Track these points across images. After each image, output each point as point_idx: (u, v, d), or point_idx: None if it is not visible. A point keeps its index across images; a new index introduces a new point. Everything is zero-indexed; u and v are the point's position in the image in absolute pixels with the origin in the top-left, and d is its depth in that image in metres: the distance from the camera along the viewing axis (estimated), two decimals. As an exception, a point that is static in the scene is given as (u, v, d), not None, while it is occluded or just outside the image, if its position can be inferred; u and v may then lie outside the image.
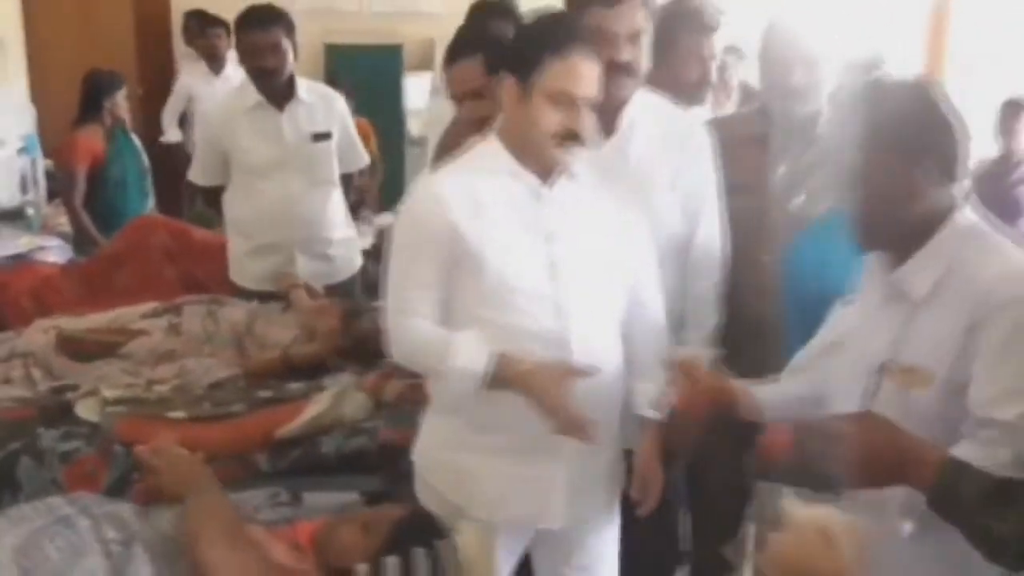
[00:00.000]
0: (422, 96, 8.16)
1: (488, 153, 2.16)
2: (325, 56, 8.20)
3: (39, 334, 3.26)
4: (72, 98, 5.03)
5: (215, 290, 3.76)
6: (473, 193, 2.11)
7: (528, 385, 2.02)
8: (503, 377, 2.05)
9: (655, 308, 2.30)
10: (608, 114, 2.38)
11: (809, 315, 2.20)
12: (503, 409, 2.08)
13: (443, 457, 2.27)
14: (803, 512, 1.57)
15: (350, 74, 7.10)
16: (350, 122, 3.89)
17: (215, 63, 6.37)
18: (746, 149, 2.68)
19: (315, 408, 2.83)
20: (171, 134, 6.62)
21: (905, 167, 1.74)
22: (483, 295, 2.11)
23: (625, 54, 2.38)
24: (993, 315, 1.67)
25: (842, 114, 2.11)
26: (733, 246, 2.58)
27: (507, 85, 2.09)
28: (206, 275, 3.99)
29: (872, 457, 1.57)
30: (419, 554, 1.90)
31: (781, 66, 2.62)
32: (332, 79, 6.64)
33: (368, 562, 1.88)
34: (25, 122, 6.49)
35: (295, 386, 3.03)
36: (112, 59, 6.21)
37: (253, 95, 3.66)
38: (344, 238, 3.89)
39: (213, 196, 3.88)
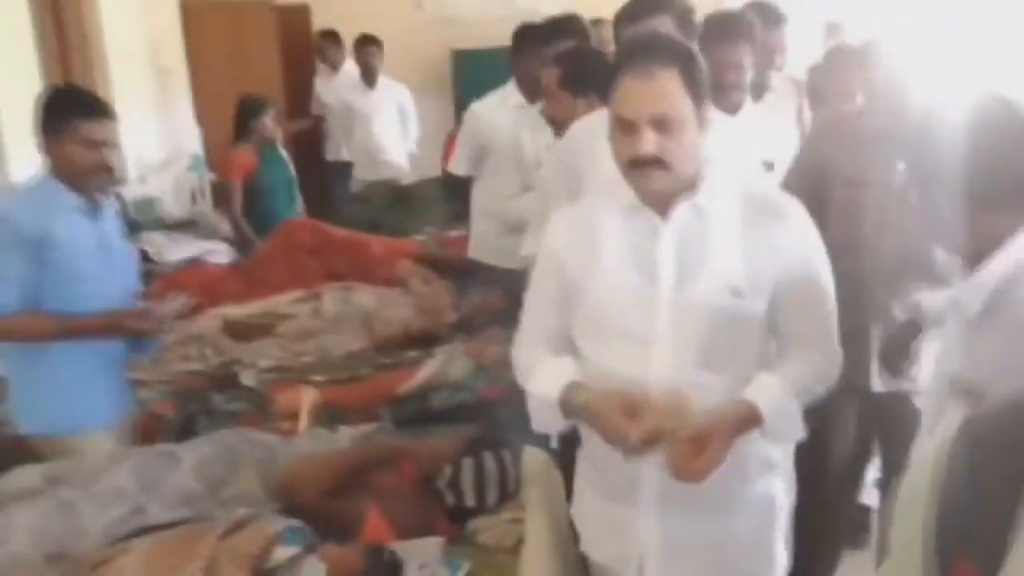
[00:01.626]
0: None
1: (616, 185, 2.01)
2: (451, 61, 8.85)
3: (209, 320, 4.00)
4: (230, 119, 5.75)
5: (349, 278, 4.43)
6: (590, 225, 2.03)
7: (592, 413, 1.94)
8: (572, 405, 1.98)
9: (806, 348, 2.02)
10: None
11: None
12: (601, 446, 1.98)
13: (576, 486, 2.27)
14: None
15: (476, 76, 7.67)
16: None
17: (369, 77, 7.08)
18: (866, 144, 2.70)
19: (427, 371, 3.46)
20: (343, 152, 7.42)
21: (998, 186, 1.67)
22: (583, 330, 2.05)
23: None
24: None
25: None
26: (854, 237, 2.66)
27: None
28: (343, 266, 4.65)
29: None
30: (488, 457, 2.48)
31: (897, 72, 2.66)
32: (461, 82, 7.24)
33: (451, 463, 2.47)
34: (192, 142, 7.35)
35: (412, 354, 3.68)
36: (262, 82, 6.98)
37: (516, 96, 4.02)
38: None
39: (463, 185, 4.28)
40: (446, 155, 7.01)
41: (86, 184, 2.84)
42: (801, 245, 1.99)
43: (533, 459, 2.64)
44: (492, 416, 3.16)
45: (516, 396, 3.32)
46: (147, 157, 6.46)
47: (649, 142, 1.87)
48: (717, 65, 2.93)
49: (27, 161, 4.91)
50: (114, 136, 2.86)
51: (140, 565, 2.15)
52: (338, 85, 7.64)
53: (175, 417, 3.37)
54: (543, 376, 2.04)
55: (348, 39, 7.53)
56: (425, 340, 3.82)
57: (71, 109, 2.80)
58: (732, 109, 3.10)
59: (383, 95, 7.17)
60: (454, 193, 6.31)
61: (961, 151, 1.69)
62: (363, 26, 7.36)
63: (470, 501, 2.46)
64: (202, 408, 3.42)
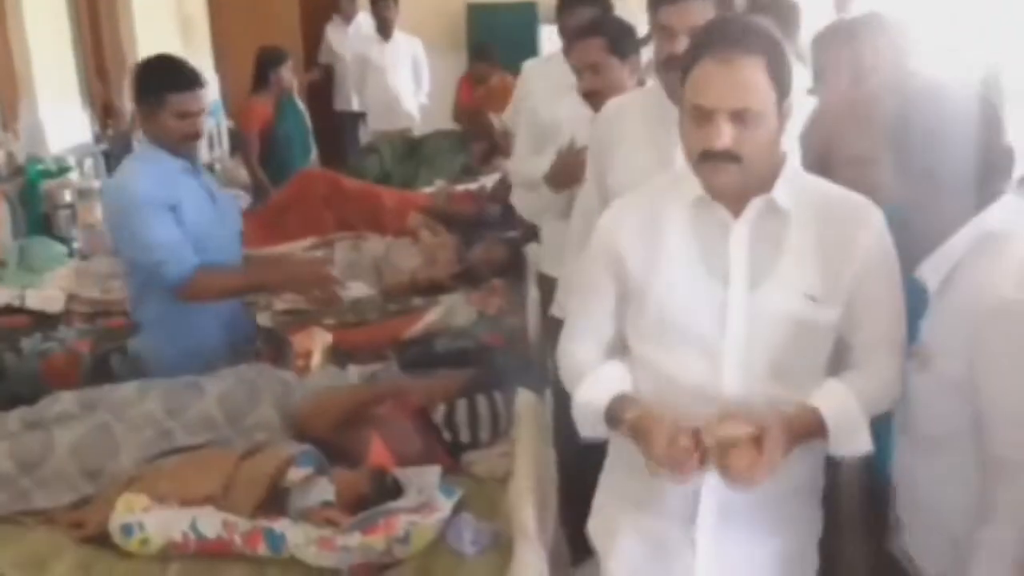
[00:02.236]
0: (557, 46, 8.87)
1: (683, 176, 1.88)
2: (467, 15, 9.00)
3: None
4: (249, 69, 5.95)
5: (360, 227, 4.66)
6: (654, 221, 1.90)
7: (641, 433, 1.84)
8: (619, 419, 1.89)
9: (878, 357, 1.91)
10: None
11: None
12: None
13: (601, 491, 2.18)
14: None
15: (490, 31, 7.83)
16: None
17: (385, 30, 7.23)
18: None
19: (432, 316, 3.70)
20: (354, 103, 7.59)
21: (976, 176, 1.82)
22: (643, 333, 1.93)
23: (681, 47, 2.24)
24: (989, 319, 1.77)
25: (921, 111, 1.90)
26: None
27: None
28: (354, 215, 4.90)
29: None
30: (481, 399, 2.73)
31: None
32: (476, 37, 7.42)
33: (445, 402, 2.72)
34: (210, 89, 7.55)
35: (417, 301, 3.92)
36: (281, 33, 7.18)
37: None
38: None
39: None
40: (458, 99, 7.22)
41: (181, 149, 3.06)
42: (879, 251, 1.86)
43: (524, 401, 2.88)
44: (491, 361, 3.39)
45: (514, 343, 3.61)
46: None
47: (726, 135, 1.73)
48: None
49: (61, 112, 5.16)
50: (204, 104, 3.08)
51: (167, 480, 2.41)
52: (352, 36, 7.83)
53: (89, 355, 3.53)
54: (591, 383, 1.95)
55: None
56: (431, 289, 4.06)
57: (165, 84, 2.99)
58: None
59: (398, 48, 7.36)
60: (464, 142, 6.56)
61: (934, 135, 1.84)
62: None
63: (464, 437, 2.71)
64: (116, 347, 3.56)
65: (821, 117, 2.90)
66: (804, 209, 1.85)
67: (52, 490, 2.53)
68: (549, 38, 8.92)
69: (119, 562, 2.31)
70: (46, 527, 2.45)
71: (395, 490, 2.41)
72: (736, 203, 1.84)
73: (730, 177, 1.78)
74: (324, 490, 2.39)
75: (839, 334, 1.89)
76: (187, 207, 3.01)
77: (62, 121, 5.21)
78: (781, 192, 1.84)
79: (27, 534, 2.43)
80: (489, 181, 5.60)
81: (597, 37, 3.03)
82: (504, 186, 5.06)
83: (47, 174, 4.70)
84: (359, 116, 7.69)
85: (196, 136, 3.07)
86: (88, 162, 5.18)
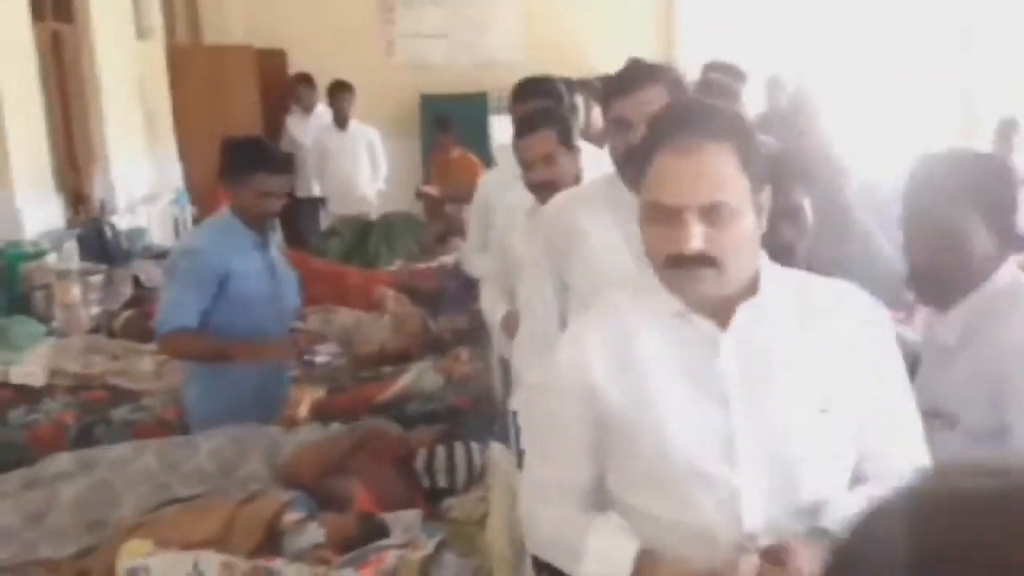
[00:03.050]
0: (507, 135, 9.28)
1: (650, 287, 1.60)
2: (420, 104, 9.37)
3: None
4: (211, 158, 6.19)
5: (326, 303, 4.90)
6: (626, 343, 1.60)
7: None
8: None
9: (894, 463, 1.61)
10: None
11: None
12: None
13: None
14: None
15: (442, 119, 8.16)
16: None
17: (342, 120, 7.58)
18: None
19: (402, 382, 3.93)
20: (314, 189, 7.89)
21: (980, 232, 1.87)
22: (634, 478, 1.62)
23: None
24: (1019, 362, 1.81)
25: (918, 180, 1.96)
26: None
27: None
28: (322, 292, 5.12)
29: None
30: (458, 445, 2.96)
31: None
32: (428, 126, 7.76)
33: (426, 449, 2.95)
34: (175, 178, 7.80)
35: (387, 369, 4.16)
36: (242, 123, 7.41)
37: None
38: None
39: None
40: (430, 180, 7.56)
41: (259, 224, 3.31)
42: (878, 342, 1.63)
43: (495, 451, 3.12)
44: (462, 417, 3.63)
45: (481, 405, 3.85)
46: (135, 190, 6.90)
47: (696, 236, 1.47)
48: None
49: (36, 199, 5.38)
50: (287, 187, 3.34)
51: (169, 526, 2.60)
52: (311, 126, 8.15)
53: (74, 425, 3.80)
54: (600, 554, 1.61)
55: (322, 81, 8.03)
56: (399, 358, 4.29)
57: (256, 163, 3.25)
58: None
59: (354, 136, 7.67)
60: (418, 222, 6.86)
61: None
62: (336, 70, 7.85)
63: (443, 482, 2.93)
64: (100, 418, 3.86)
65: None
66: (786, 307, 1.60)
67: (57, 541, 2.71)
68: (499, 128, 9.41)
69: (124, 605, 2.49)
70: (52, 576, 2.62)
71: (381, 531, 2.62)
72: (719, 313, 1.56)
73: (707, 284, 1.51)
74: (315, 533, 2.60)
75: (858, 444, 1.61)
76: (242, 277, 3.24)
77: (37, 207, 5.41)
78: (767, 293, 1.58)
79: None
80: (448, 259, 5.87)
81: (549, 129, 2.96)
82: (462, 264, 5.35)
83: (24, 256, 4.89)
84: (319, 201, 7.96)
85: (274, 214, 3.35)
86: (67, 245, 5.37)
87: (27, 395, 4.08)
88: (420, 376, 3.99)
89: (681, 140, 1.51)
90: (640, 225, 1.57)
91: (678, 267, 1.51)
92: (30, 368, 4.22)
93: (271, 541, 2.58)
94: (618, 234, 2.31)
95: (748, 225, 1.53)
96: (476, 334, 4.47)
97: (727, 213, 1.49)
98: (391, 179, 7.98)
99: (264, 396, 3.40)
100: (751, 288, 1.58)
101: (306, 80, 8.37)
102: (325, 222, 7.74)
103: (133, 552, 2.53)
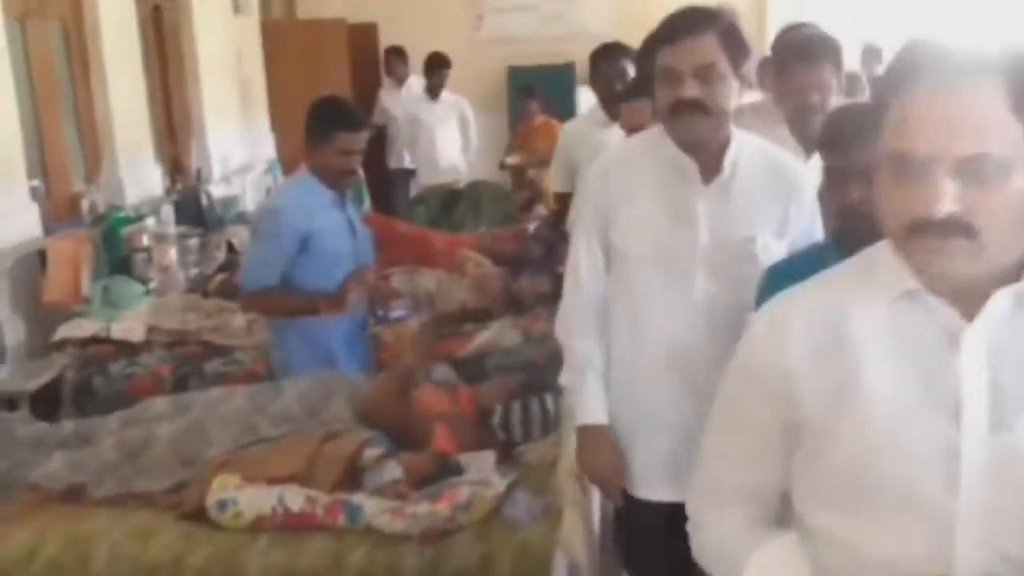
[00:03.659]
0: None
1: (875, 263, 1.32)
2: (508, 76, 9.46)
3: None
4: (303, 126, 6.38)
5: (410, 264, 5.02)
6: (838, 328, 1.31)
7: None
8: None
9: None
10: (708, 158, 2.22)
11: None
12: None
13: None
14: None
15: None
16: None
17: (434, 91, 7.70)
18: None
19: (481, 339, 4.03)
20: (406, 160, 8.04)
21: None
22: (824, 493, 1.34)
23: (690, 90, 2.12)
24: None
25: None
26: None
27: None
28: (406, 256, 5.24)
29: None
30: (533, 400, 3.04)
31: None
32: (524, 91, 7.86)
33: (502, 404, 3.03)
34: (268, 147, 8.03)
35: (468, 327, 4.26)
36: (334, 92, 7.61)
37: (599, 114, 4.24)
38: None
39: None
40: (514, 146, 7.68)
41: (338, 183, 3.45)
42: None
43: (568, 399, 3.19)
44: (538, 370, 3.71)
45: (557, 361, 3.91)
46: (230, 160, 7.12)
47: (948, 196, 1.16)
48: (798, 88, 2.80)
49: (137, 168, 5.62)
50: (364, 144, 3.44)
51: (256, 463, 2.74)
52: (403, 97, 8.29)
53: (170, 377, 3.99)
54: (764, 569, 1.37)
55: (412, 55, 8.16)
56: (480, 316, 4.39)
57: (334, 122, 3.37)
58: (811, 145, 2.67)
59: (446, 107, 7.78)
60: (506, 192, 6.96)
61: None
62: (426, 43, 7.98)
63: (518, 437, 3.01)
64: (194, 370, 4.04)
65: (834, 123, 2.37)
66: None
67: (152, 476, 2.86)
68: (586, 99, 9.43)
69: (215, 534, 2.63)
70: (148, 508, 2.78)
71: (456, 470, 2.72)
72: (966, 300, 1.23)
73: (958, 259, 1.18)
74: (393, 470, 2.71)
75: None
76: (324, 235, 3.37)
77: (138, 175, 5.65)
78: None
79: (131, 514, 2.76)
80: (531, 224, 5.94)
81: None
82: (546, 227, 5.41)
83: (126, 221, 5.12)
84: (410, 172, 8.10)
85: (352, 172, 3.47)
86: (164, 210, 5.60)
87: (127, 350, 4.28)
88: (499, 333, 4.07)
89: (935, 77, 1.19)
90: (877, 184, 1.25)
91: (922, 235, 1.18)
92: (130, 324, 4.42)
93: (351, 477, 2.70)
94: (660, 195, 2.28)
95: (1020, 187, 1.16)
96: (557, 295, 4.53)
97: (991, 169, 1.15)
98: (479, 150, 8.09)
99: (347, 349, 3.52)
100: (1016, 273, 1.22)
101: (398, 52, 8.51)
102: (415, 193, 7.88)
103: (222, 486, 2.67)
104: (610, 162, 2.42)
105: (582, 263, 2.41)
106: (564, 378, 2.49)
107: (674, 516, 1.84)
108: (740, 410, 1.43)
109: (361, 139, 3.42)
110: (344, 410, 2.99)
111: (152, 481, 2.85)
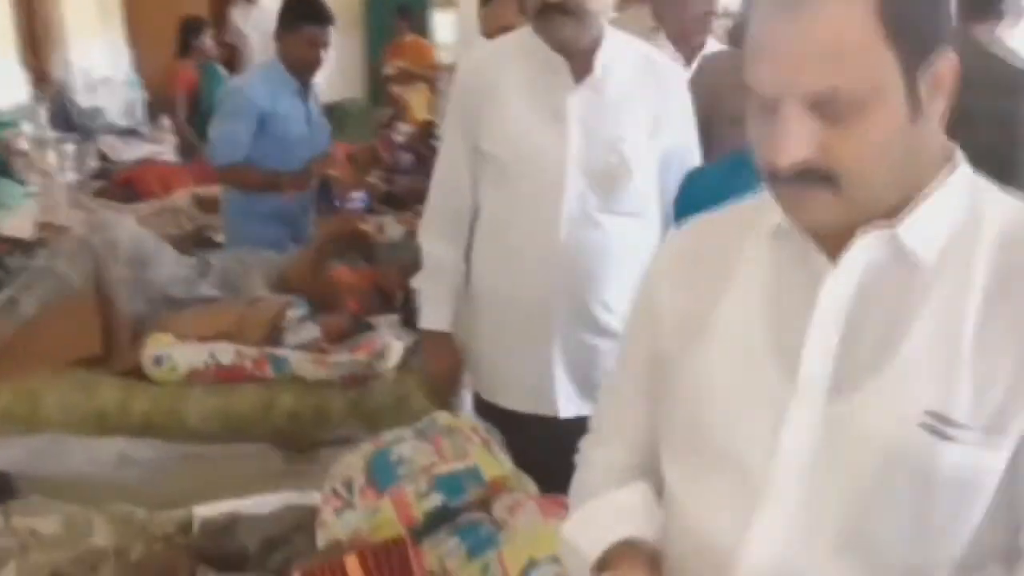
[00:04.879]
0: (448, 32, 9.69)
1: (764, 195, 1.09)
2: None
3: (181, 196, 4.84)
4: (161, 44, 6.51)
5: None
6: (729, 255, 1.15)
7: None
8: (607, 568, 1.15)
9: None
10: (579, 58, 2.18)
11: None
12: None
13: None
14: None
15: (386, 15, 8.46)
16: None
17: None
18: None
19: (369, 227, 4.37)
20: None
21: None
22: (671, 441, 1.19)
23: None
24: None
25: None
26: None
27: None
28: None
29: None
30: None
31: None
32: (400, 10, 8.01)
33: (402, 289, 3.41)
34: (125, 63, 8.01)
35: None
36: (191, 10, 7.65)
37: None
38: None
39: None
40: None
41: (303, 72, 3.68)
42: None
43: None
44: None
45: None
46: (92, 71, 7.13)
47: (797, 140, 0.97)
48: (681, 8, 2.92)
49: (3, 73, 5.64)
50: (329, 38, 3.66)
51: (185, 324, 3.03)
52: (255, 16, 8.39)
53: None
54: (587, 517, 1.24)
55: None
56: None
57: (302, 14, 3.61)
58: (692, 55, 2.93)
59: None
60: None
61: None
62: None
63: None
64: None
65: (699, 77, 2.55)
66: (962, 262, 1.01)
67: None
68: (441, 21, 9.74)
69: (152, 386, 2.93)
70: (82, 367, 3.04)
71: (368, 328, 3.09)
72: (838, 241, 1.04)
73: (819, 210, 1.01)
74: (312, 329, 3.06)
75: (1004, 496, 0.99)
76: (281, 119, 3.61)
77: (4, 81, 5.68)
78: (912, 226, 1.02)
79: (69, 372, 2.99)
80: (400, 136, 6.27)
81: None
82: (415, 138, 5.77)
83: (3, 125, 5.19)
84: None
85: (318, 63, 3.69)
86: (40, 115, 5.66)
87: (22, 247, 4.42)
88: (384, 226, 4.43)
89: None
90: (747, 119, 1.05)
91: (779, 184, 1.02)
92: (19, 222, 4.56)
93: (275, 335, 3.03)
94: (532, 95, 2.23)
95: (889, 121, 0.97)
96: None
97: (846, 105, 0.95)
98: (340, 70, 8.30)
99: (291, 227, 3.83)
100: (891, 213, 1.02)
101: (248, -29, 8.58)
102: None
103: (157, 343, 2.96)
104: (479, 59, 2.41)
105: (442, 167, 2.40)
106: (415, 281, 2.66)
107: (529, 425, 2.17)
108: (628, 339, 1.30)
109: (327, 32, 3.66)
110: (260, 282, 3.30)
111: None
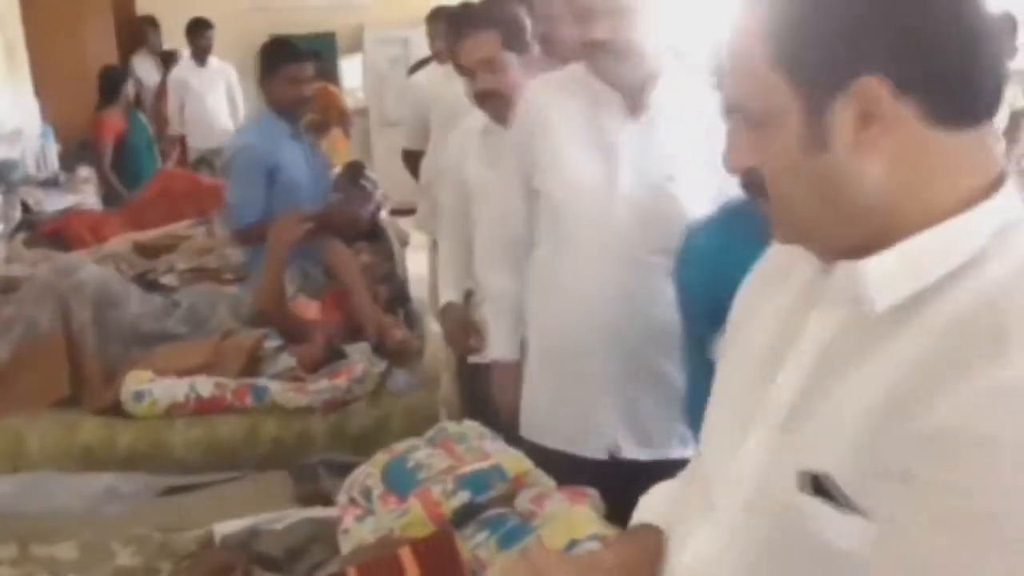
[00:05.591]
0: (355, 76, 9.84)
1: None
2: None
3: (119, 243, 4.85)
4: (69, 94, 6.47)
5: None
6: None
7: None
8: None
9: None
10: (632, 94, 2.15)
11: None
12: None
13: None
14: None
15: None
16: None
17: (201, 56, 7.85)
18: None
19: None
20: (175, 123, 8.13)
21: None
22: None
23: (598, 32, 2.07)
24: None
25: None
26: None
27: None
28: (211, 208, 5.53)
29: None
30: (399, 310, 3.55)
31: None
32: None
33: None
34: (34, 114, 7.91)
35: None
36: (99, 61, 7.62)
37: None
38: None
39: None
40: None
41: (292, 113, 3.71)
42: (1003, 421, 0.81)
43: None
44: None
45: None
46: (4, 124, 7.03)
47: (737, 145, 1.01)
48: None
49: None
50: (311, 73, 3.71)
51: (163, 360, 3.10)
52: (156, 65, 8.43)
53: None
54: (654, 490, 1.27)
55: (173, 24, 8.29)
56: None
57: (279, 56, 3.68)
58: None
59: (214, 73, 7.99)
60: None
61: None
62: (187, 11, 8.11)
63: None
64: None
65: None
66: (920, 322, 0.89)
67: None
68: (348, 69, 9.86)
69: (134, 422, 2.98)
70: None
71: (342, 355, 3.20)
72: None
73: (773, 219, 1.01)
74: (287, 361, 3.16)
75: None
76: (287, 167, 3.65)
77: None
78: (878, 271, 0.94)
79: (46, 413, 3.03)
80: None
81: (491, 32, 2.64)
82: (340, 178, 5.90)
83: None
84: (177, 139, 8.23)
85: (306, 99, 3.73)
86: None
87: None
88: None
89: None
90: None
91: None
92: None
93: (252, 367, 3.12)
94: (583, 132, 2.19)
95: (788, 148, 0.95)
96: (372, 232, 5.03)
97: (752, 121, 0.98)
98: (250, 116, 8.34)
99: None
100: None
101: (151, 21, 8.63)
102: (193, 157, 8.03)
103: (136, 380, 3.02)
104: (537, 93, 2.30)
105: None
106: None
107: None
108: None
109: (307, 68, 3.74)
110: (229, 317, 3.38)
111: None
